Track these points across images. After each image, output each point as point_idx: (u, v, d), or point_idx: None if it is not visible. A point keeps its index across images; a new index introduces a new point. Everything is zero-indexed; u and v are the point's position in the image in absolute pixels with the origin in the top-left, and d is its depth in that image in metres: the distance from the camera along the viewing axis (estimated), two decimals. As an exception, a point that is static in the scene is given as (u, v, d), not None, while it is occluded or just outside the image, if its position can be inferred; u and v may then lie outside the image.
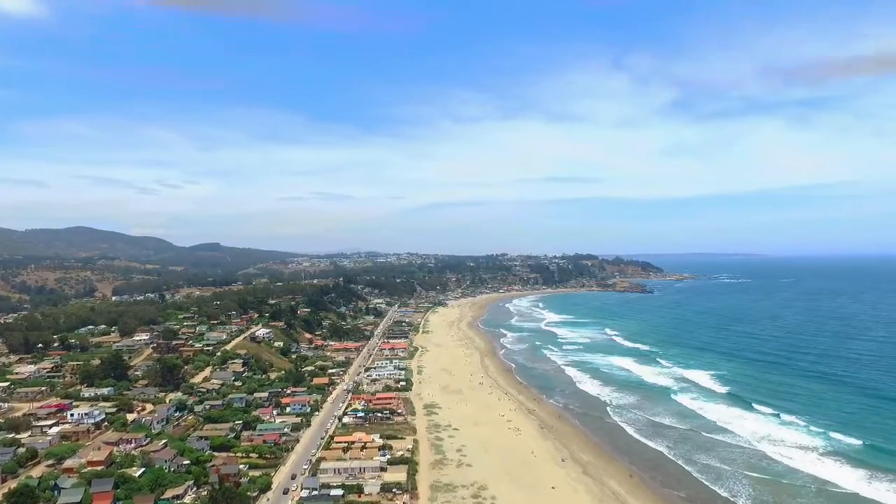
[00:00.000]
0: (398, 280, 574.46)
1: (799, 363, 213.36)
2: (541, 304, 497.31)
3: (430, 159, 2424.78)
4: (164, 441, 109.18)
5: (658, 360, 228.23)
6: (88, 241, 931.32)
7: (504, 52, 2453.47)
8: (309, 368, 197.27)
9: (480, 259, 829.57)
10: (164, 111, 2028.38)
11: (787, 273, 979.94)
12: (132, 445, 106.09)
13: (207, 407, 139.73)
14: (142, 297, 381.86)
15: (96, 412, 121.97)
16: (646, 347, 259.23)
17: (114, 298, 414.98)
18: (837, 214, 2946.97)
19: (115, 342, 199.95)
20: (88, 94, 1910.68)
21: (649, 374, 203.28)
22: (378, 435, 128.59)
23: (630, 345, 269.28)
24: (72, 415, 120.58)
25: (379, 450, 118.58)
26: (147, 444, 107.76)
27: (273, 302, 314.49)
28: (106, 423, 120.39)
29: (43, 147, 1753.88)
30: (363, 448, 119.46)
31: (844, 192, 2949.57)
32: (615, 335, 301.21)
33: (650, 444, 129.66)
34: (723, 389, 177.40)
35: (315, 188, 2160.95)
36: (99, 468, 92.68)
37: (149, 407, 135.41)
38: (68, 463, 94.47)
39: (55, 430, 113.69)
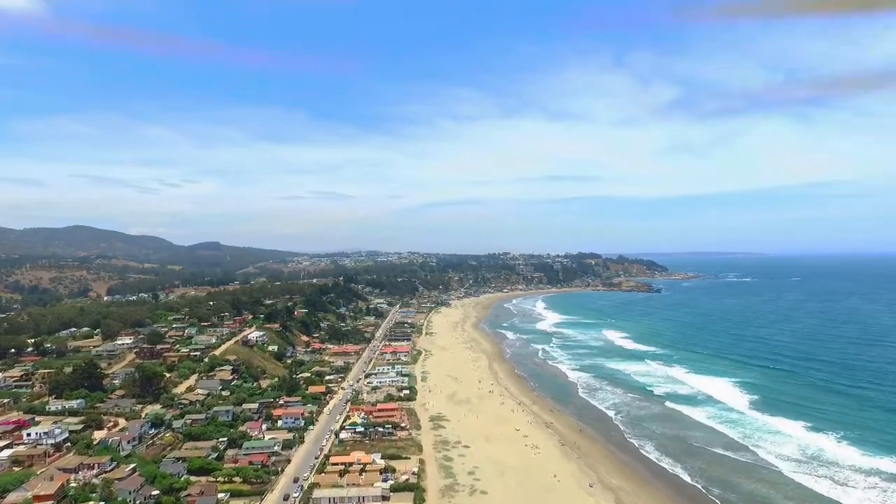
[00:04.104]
0: (399, 279, 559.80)
1: (821, 372, 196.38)
2: (546, 305, 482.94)
3: (430, 158, 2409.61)
4: (132, 466, 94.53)
5: (673, 366, 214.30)
6: (87, 240, 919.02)
7: (503, 50, 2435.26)
8: (305, 375, 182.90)
9: (482, 258, 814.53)
10: (162, 110, 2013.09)
11: (792, 272, 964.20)
12: (94, 472, 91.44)
13: (189, 422, 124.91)
14: (135, 297, 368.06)
15: (57, 430, 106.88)
16: (659, 352, 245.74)
17: (106, 298, 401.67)
18: (839, 213, 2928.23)
19: (95, 346, 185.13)
20: (86, 93, 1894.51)
21: (666, 381, 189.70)
22: (379, 454, 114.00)
23: (642, 349, 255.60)
24: (28, 434, 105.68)
25: (380, 473, 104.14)
26: (112, 469, 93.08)
27: (269, 302, 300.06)
28: (69, 444, 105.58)
29: (41, 146, 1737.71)
30: (362, 471, 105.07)
31: (846, 190, 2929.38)
32: (626, 338, 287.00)
33: (681, 466, 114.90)
34: (746, 401, 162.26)
35: (315, 187, 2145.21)
36: (48, 504, 78.23)
37: (122, 422, 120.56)
38: (11, 497, 79.78)
39: (7, 453, 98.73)
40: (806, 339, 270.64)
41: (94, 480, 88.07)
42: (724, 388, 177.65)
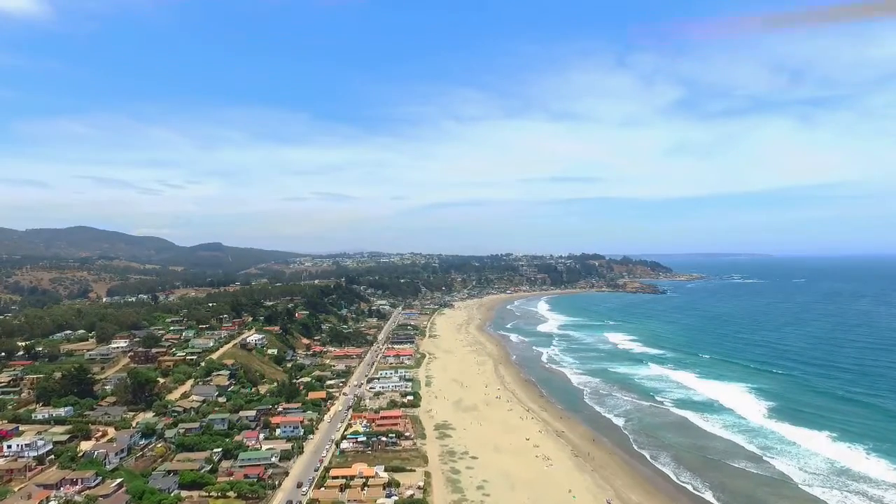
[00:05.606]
0: (402, 280, 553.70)
1: (838, 380, 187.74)
2: (551, 306, 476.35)
3: (432, 159, 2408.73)
4: (118, 481, 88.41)
5: (683, 371, 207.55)
6: (89, 240, 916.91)
7: (506, 50, 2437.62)
8: (305, 380, 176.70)
9: (485, 259, 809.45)
10: (165, 111, 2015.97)
11: (797, 273, 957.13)
12: (77, 488, 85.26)
13: (182, 431, 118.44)
14: (133, 299, 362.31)
15: (41, 442, 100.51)
16: (668, 356, 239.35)
17: (105, 300, 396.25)
18: (843, 214, 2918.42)
19: (88, 350, 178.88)
20: (89, 94, 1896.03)
21: (676, 387, 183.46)
22: (382, 466, 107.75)
23: (650, 352, 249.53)
24: (9, 446, 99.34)
25: (384, 488, 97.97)
26: (96, 485, 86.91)
27: (269, 304, 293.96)
28: (52, 456, 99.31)
29: (44, 147, 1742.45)
30: (364, 486, 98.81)
31: (849, 191, 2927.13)
32: (633, 341, 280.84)
33: (701, 480, 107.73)
34: (762, 410, 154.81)
35: (317, 188, 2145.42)
36: (23, 525, 72.12)
37: (111, 432, 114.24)
38: (-16, 518, 74.00)
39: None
40: (819, 344, 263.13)
41: (77, 498, 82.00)
42: (737, 395, 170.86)
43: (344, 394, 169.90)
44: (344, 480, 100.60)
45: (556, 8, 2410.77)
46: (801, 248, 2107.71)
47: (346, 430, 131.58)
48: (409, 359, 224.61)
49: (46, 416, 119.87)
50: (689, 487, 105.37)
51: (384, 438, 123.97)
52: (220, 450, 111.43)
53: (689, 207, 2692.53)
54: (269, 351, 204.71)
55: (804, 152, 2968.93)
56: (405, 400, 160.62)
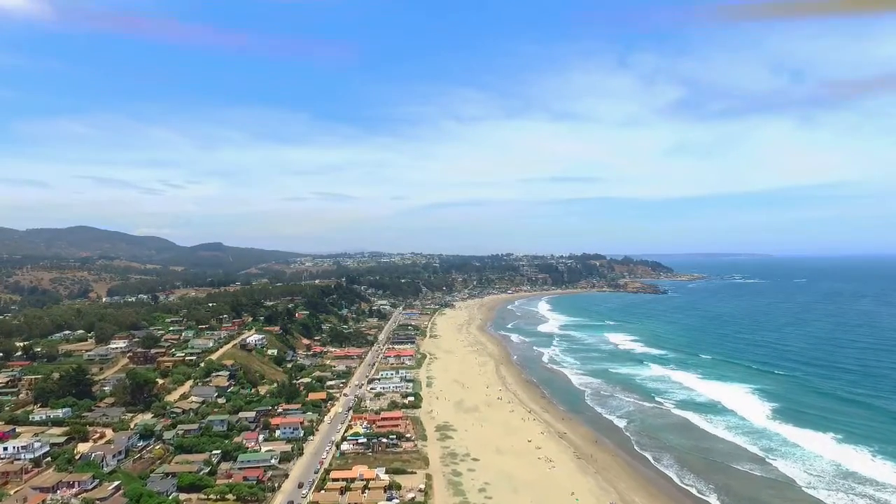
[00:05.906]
0: (402, 280, 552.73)
1: (840, 381, 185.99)
2: (552, 307, 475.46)
3: (433, 159, 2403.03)
4: (116, 483, 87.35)
5: (685, 371, 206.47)
6: (90, 240, 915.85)
7: (506, 50, 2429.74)
8: (305, 380, 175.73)
9: (486, 259, 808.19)
10: (165, 111, 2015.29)
11: (797, 273, 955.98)
12: (73, 491, 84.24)
13: (181, 432, 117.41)
14: (134, 299, 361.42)
15: (37, 444, 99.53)
16: (670, 356, 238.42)
17: (105, 300, 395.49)
18: (844, 214, 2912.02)
19: (87, 350, 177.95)
20: (89, 94, 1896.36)
21: (679, 388, 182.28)
22: (383, 469, 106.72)
23: (652, 352, 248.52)
24: (6, 448, 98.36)
25: (384, 491, 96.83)
26: (93, 488, 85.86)
27: (269, 304, 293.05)
28: (49, 459, 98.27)
29: (44, 147, 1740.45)
30: (365, 488, 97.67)
31: (849, 191, 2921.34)
32: (634, 342, 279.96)
33: (705, 483, 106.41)
34: (765, 411, 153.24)
35: (317, 188, 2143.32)
36: (18, 529, 71.14)
37: (108, 433, 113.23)
38: (-21, 522, 73.02)
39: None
40: (820, 344, 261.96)
41: (73, 501, 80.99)
42: (740, 396, 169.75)
43: (344, 395, 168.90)
44: (344, 483, 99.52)
45: (557, 8, 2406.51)
46: (801, 248, 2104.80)
47: (346, 431, 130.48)
48: (409, 359, 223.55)
49: (44, 417, 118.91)
50: (693, 490, 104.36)
51: (385, 440, 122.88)
52: (219, 451, 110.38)
53: (690, 207, 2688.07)
54: (269, 351, 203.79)
55: (804, 152, 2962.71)
56: (406, 401, 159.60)
